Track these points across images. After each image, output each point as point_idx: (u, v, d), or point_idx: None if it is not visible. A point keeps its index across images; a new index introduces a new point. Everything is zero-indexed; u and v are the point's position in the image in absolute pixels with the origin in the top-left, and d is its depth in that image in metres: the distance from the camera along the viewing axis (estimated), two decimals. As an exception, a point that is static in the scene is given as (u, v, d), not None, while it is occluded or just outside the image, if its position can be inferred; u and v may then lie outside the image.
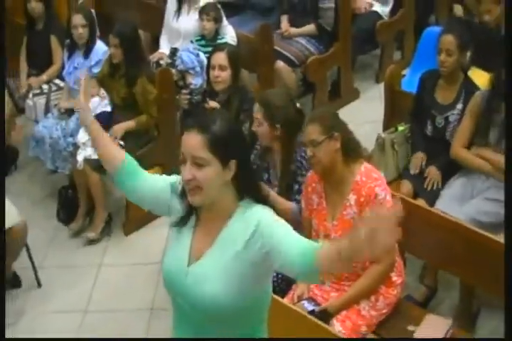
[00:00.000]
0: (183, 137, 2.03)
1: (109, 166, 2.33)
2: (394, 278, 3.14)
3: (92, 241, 4.45)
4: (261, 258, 2.00)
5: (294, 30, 5.32)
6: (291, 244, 1.95)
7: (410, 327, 3.11)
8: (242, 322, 2.14)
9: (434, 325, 3.09)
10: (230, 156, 2.01)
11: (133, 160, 2.29)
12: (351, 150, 3.07)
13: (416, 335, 3.05)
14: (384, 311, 3.12)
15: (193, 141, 1.99)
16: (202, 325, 2.15)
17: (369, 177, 3.02)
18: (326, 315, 3.00)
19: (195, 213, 2.14)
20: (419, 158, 3.92)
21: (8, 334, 3.36)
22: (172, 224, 2.19)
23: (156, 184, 2.23)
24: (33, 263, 4.14)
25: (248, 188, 2.08)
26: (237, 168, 2.02)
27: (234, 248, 2.03)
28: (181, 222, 2.15)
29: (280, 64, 5.17)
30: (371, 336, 3.13)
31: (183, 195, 2.10)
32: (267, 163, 3.56)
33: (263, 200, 2.10)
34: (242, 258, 2.02)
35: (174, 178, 2.21)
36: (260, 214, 2.04)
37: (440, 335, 3.04)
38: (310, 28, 5.29)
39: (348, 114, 3.04)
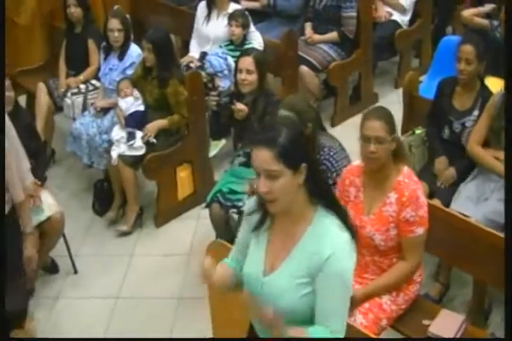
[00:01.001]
0: (253, 153, 2.02)
1: None
2: (414, 276, 3.12)
3: (124, 233, 4.46)
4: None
5: (317, 36, 5.31)
6: (322, 309, 2.04)
7: (425, 321, 3.08)
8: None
9: (448, 319, 3.06)
10: (300, 162, 2.01)
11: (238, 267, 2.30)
12: (400, 151, 3.04)
13: (430, 329, 3.03)
14: (403, 306, 3.10)
15: (263, 157, 1.99)
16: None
17: (411, 179, 2.98)
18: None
19: (269, 218, 2.15)
20: (442, 162, 3.87)
21: (45, 317, 3.39)
22: (252, 229, 2.20)
23: (243, 246, 2.28)
24: (69, 251, 4.16)
25: (318, 189, 2.08)
26: (306, 171, 2.03)
27: (306, 266, 2.04)
28: (257, 227, 2.17)
29: (304, 69, 5.16)
30: (389, 329, 3.12)
31: (257, 204, 2.14)
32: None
33: (334, 204, 2.10)
34: (310, 277, 2.03)
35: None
36: (335, 246, 2.03)
37: (453, 330, 3.01)
38: (333, 35, 5.27)
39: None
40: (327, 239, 2.03)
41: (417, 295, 3.20)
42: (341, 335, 2.06)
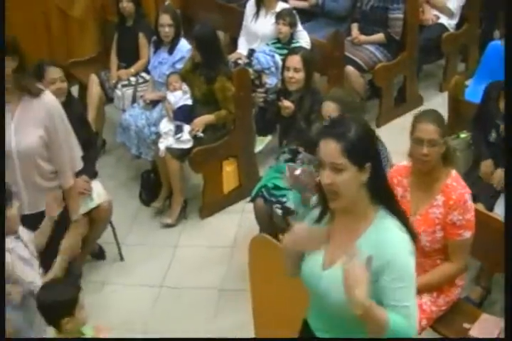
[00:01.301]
0: (321, 144, 2.03)
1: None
2: (456, 280, 3.08)
3: (169, 225, 4.47)
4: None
5: (363, 37, 5.26)
6: (392, 302, 2.00)
7: (466, 325, 3.04)
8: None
9: (489, 324, 3.02)
10: (366, 160, 2.00)
11: None
12: (449, 154, 3.01)
13: (471, 332, 2.99)
14: (443, 308, 3.06)
15: (330, 149, 2.00)
16: (332, 319, 2.16)
17: (459, 183, 2.95)
18: None
19: (330, 213, 2.14)
20: (488, 165, 3.82)
21: (92, 301, 3.39)
22: (312, 223, 2.19)
23: None
24: (116, 238, 4.19)
25: (380, 190, 2.07)
26: (371, 170, 2.02)
27: (388, 276, 2.01)
28: (318, 220, 2.17)
29: (350, 68, 5.11)
30: (429, 330, 3.09)
31: (319, 196, 2.13)
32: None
33: (395, 206, 2.09)
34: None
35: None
36: (396, 250, 2.02)
37: (494, 334, 2.97)
38: (379, 36, 5.22)
39: (411, 119, 3.00)
40: (388, 240, 2.02)
41: (458, 298, 3.15)
42: (415, 319, 2.02)
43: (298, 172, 3.31)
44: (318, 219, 2.17)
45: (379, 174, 2.06)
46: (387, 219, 2.06)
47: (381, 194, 2.07)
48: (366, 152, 2.02)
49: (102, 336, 2.70)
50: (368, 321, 1.95)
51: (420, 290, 2.98)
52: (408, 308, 2.00)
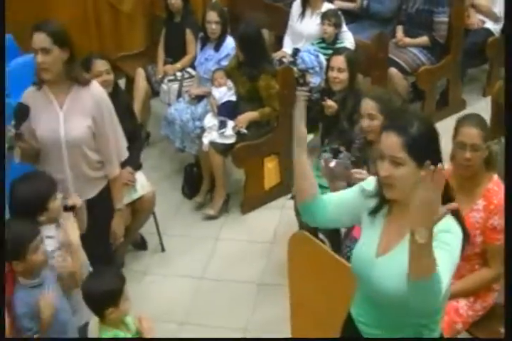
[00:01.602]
0: (383, 137, 2.01)
1: (300, 197, 2.25)
2: (493, 285, 3.03)
3: (211, 217, 4.47)
4: None
5: (408, 40, 5.19)
6: None
7: (502, 329, 2.98)
8: (415, 317, 2.08)
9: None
10: (426, 157, 1.93)
11: (322, 198, 2.22)
12: (492, 159, 2.95)
13: (509, 338, 2.94)
14: (480, 313, 3.00)
15: (391, 142, 1.98)
16: (381, 309, 2.12)
17: (500, 188, 2.88)
18: None
19: (387, 204, 2.11)
20: None
21: (133, 290, 3.38)
22: (368, 213, 2.17)
23: (342, 201, 2.22)
24: (158, 229, 4.19)
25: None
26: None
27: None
28: (374, 211, 2.14)
29: (393, 70, 5.05)
30: (465, 334, 3.04)
31: (377, 187, 2.09)
32: (367, 156, 3.49)
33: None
34: None
35: (363, 185, 2.20)
36: (449, 228, 1.98)
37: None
38: (423, 39, 5.15)
39: (453, 123, 2.94)
40: (442, 222, 1.91)
41: (495, 303, 3.08)
42: (443, 289, 1.87)
43: (333, 164, 3.29)
44: (375, 211, 2.15)
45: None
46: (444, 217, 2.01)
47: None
48: (427, 149, 1.99)
49: (145, 326, 2.69)
50: (423, 255, 1.77)
51: (457, 295, 2.94)
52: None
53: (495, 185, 2.89)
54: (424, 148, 1.98)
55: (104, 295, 2.56)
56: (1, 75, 2.84)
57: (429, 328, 2.17)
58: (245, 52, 4.38)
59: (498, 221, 2.84)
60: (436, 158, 2.02)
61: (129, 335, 2.65)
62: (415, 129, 1.99)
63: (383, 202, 2.13)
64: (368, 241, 2.16)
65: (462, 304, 2.98)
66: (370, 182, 2.22)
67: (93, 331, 2.78)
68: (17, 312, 2.56)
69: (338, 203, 2.23)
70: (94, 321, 2.76)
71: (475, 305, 3.00)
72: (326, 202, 2.23)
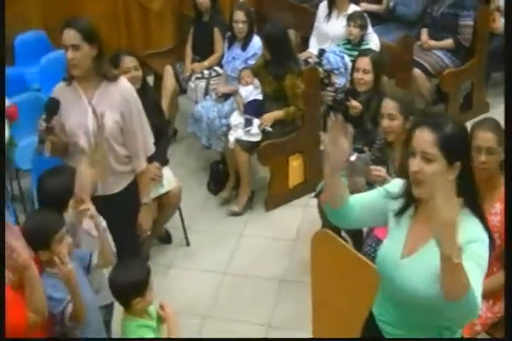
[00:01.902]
0: (416, 133, 2.00)
1: (329, 202, 2.21)
2: (512, 287, 2.99)
3: (235, 214, 4.44)
4: None
5: (433, 42, 5.13)
6: None
7: (521, 331, 2.96)
8: (438, 318, 2.05)
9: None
10: (457, 157, 1.95)
11: (349, 203, 2.19)
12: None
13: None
14: (499, 315, 2.95)
15: (425, 138, 1.97)
16: (405, 309, 2.10)
17: None
18: None
19: (414, 205, 2.08)
20: None
21: (158, 283, 3.38)
22: (394, 214, 2.14)
23: (367, 203, 2.20)
24: (183, 224, 4.18)
25: (467, 192, 1.99)
26: (459, 171, 1.96)
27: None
28: (400, 212, 2.12)
29: (417, 71, 4.99)
30: (484, 335, 2.99)
31: (403, 188, 2.07)
32: (387, 156, 3.46)
33: (478, 210, 2.02)
34: None
35: (388, 187, 2.18)
36: (477, 235, 1.96)
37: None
38: (448, 42, 5.08)
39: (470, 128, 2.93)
40: (469, 230, 1.93)
41: (515, 305, 3.06)
42: (479, 302, 1.86)
43: (353, 158, 3.25)
44: (401, 212, 2.12)
45: (467, 176, 2.00)
46: (470, 217, 2.00)
47: (467, 195, 2.00)
48: (458, 149, 1.98)
49: (167, 312, 2.69)
50: (456, 273, 1.74)
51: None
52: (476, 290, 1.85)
53: None
54: (455, 147, 1.97)
55: (131, 286, 2.57)
56: (1, 75, 2.82)
57: (452, 330, 2.14)
58: (271, 52, 4.35)
59: None
60: (466, 159, 2.01)
61: (152, 323, 2.65)
62: (449, 128, 1.98)
63: (410, 202, 2.10)
64: (393, 242, 2.13)
65: (481, 306, 2.92)
66: (395, 185, 2.19)
67: (118, 320, 2.77)
68: (46, 294, 2.55)
69: (363, 205, 2.21)
70: (119, 311, 2.76)
71: (494, 307, 2.96)
72: (352, 205, 2.20)
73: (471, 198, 2.02)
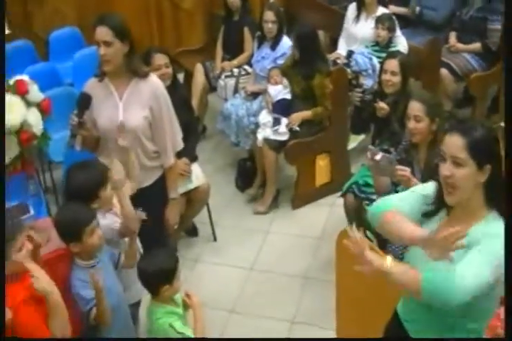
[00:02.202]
0: (446, 137, 1.98)
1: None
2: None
3: (260, 213, 4.42)
4: None
5: (460, 46, 5.06)
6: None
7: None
8: (462, 316, 2.04)
9: None
10: (486, 161, 1.94)
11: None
12: None
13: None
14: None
15: (455, 142, 1.95)
16: (430, 309, 2.07)
17: None
18: None
19: (445, 209, 2.07)
20: None
21: (185, 277, 3.38)
22: (422, 214, 2.14)
23: (411, 207, 2.16)
24: (211, 219, 4.17)
25: (496, 195, 1.98)
26: (489, 173, 1.95)
27: (475, 248, 1.93)
28: (430, 215, 2.10)
29: (444, 71, 4.93)
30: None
31: (436, 191, 2.05)
32: (412, 157, 3.42)
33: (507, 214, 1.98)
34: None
35: (421, 193, 2.15)
36: (500, 234, 1.94)
37: None
38: (476, 46, 5.01)
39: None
40: (491, 225, 1.95)
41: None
42: (466, 283, 1.88)
43: (378, 157, 3.21)
44: (432, 214, 2.11)
45: (497, 179, 1.98)
46: (499, 222, 1.98)
47: (496, 199, 1.99)
48: (488, 153, 1.96)
49: (193, 300, 2.70)
50: (392, 278, 1.99)
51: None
52: (459, 270, 1.88)
53: None
54: (485, 152, 1.95)
55: (160, 273, 2.59)
56: (1, 74, 2.81)
57: (477, 332, 2.12)
58: (301, 51, 4.32)
59: None
60: (497, 164, 1.99)
61: (179, 310, 2.66)
62: (478, 132, 1.96)
63: (441, 206, 2.08)
64: None
65: (503, 309, 2.89)
66: (428, 188, 2.16)
67: (145, 307, 2.79)
68: (75, 290, 2.57)
69: (406, 211, 2.15)
70: (146, 298, 2.79)
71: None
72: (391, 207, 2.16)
73: (499, 200, 2.00)
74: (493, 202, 2.00)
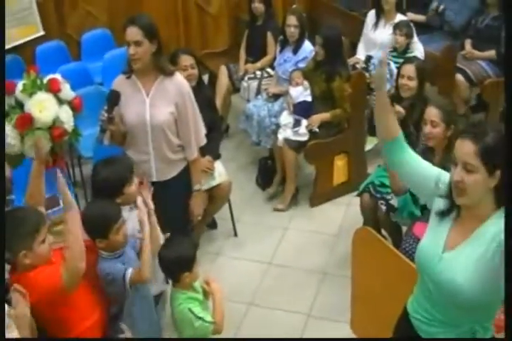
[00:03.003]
0: (457, 143, 1.93)
1: (382, 135, 2.22)
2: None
3: (280, 211, 4.39)
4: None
5: (476, 53, 4.98)
6: None
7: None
8: (473, 313, 2.01)
9: None
10: (497, 166, 1.87)
11: (403, 141, 2.17)
12: None
13: None
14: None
15: (466, 149, 1.90)
16: (438, 304, 2.05)
17: None
18: None
19: (456, 209, 2.03)
20: None
21: (207, 269, 3.37)
22: (435, 213, 2.09)
23: (423, 168, 2.15)
24: (232, 216, 4.15)
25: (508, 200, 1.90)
26: (500, 178, 1.89)
27: (485, 246, 1.91)
28: (443, 214, 2.06)
29: (459, 77, 4.87)
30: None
31: (448, 191, 2.00)
32: (428, 160, 3.37)
33: None
34: (487, 257, 1.91)
35: (440, 172, 2.11)
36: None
37: None
38: (491, 53, 4.92)
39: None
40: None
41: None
42: None
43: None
44: (446, 214, 2.06)
45: (508, 184, 1.90)
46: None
47: (505, 203, 1.92)
48: (500, 159, 1.88)
49: (213, 287, 2.68)
50: None
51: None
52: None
53: None
54: (496, 157, 1.88)
55: (182, 260, 2.58)
56: (1, 74, 2.79)
57: (484, 326, 2.07)
58: (327, 52, 4.27)
59: None
60: (509, 170, 1.90)
61: (199, 296, 2.65)
62: (490, 138, 1.89)
63: (453, 206, 2.04)
64: (434, 238, 2.07)
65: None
66: (447, 177, 2.08)
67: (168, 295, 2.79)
68: (102, 281, 2.56)
69: (415, 164, 2.15)
70: (167, 286, 2.78)
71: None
72: (405, 149, 2.16)
73: (510, 206, 1.93)
74: (502, 204, 1.94)
